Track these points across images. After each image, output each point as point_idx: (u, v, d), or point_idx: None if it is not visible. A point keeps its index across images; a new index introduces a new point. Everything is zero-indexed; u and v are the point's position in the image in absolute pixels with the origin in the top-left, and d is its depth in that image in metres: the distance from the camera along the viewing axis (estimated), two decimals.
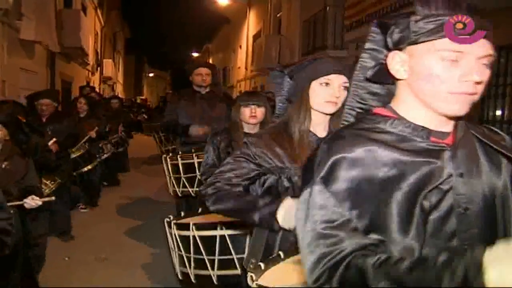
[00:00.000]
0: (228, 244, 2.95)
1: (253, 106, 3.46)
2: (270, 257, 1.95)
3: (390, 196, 1.17)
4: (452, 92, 1.20)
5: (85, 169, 7.03)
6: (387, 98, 1.37)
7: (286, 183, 2.08)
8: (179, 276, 3.25)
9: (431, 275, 0.99)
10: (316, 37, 13.68)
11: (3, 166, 3.70)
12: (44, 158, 4.63)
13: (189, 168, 4.50)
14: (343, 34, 11.96)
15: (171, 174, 4.72)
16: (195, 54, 46.93)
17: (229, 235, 2.95)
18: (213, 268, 3.01)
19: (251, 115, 3.46)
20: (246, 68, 23.29)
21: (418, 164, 1.21)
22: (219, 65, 33.58)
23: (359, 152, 1.20)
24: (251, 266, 1.99)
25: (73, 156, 6.67)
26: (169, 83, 66.75)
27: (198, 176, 4.32)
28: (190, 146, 4.80)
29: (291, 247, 1.93)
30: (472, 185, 1.25)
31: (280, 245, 2.06)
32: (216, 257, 2.98)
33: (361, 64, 1.38)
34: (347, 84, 2.06)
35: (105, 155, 8.27)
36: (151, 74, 60.95)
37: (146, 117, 19.65)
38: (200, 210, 3.38)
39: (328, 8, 13.01)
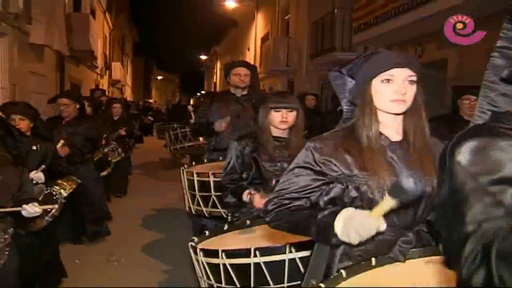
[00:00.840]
0: (264, 273, 2.54)
1: (284, 111, 3.15)
2: (331, 277, 1.74)
3: None
4: None
5: (105, 172, 6.87)
6: None
7: (353, 193, 1.83)
8: None
9: None
10: (324, 40, 13.66)
11: (34, 148, 3.77)
12: (54, 165, 4.46)
13: (204, 186, 4.21)
14: (351, 36, 11.93)
15: (187, 189, 4.46)
16: (203, 57, 47.02)
17: (264, 262, 2.53)
18: None
19: (282, 120, 3.16)
20: None
21: None
22: None
23: (504, 143, 1.08)
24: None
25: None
26: (177, 85, 66.99)
27: (213, 197, 4.11)
28: (218, 154, 4.58)
29: (353, 264, 1.78)
30: None
31: (341, 262, 1.86)
32: None
33: (492, 63, 1.28)
34: (414, 78, 1.86)
35: (114, 160, 7.99)
36: (159, 77, 61.10)
37: (151, 119, 19.47)
38: (226, 227, 3.02)
39: (336, 10, 13.00)
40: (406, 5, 8.66)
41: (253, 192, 3.15)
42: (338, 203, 1.87)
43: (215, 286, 2.69)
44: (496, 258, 0.92)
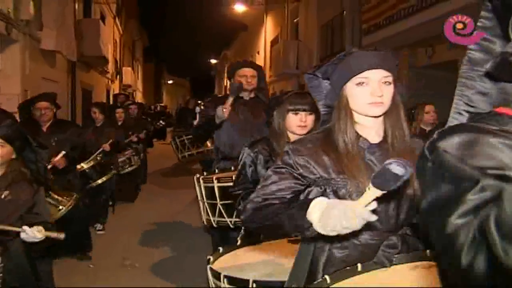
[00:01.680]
0: None
1: (303, 113, 2.86)
2: (315, 283, 1.69)
3: None
4: None
5: (100, 181, 6.23)
6: (499, 99, 1.12)
7: (331, 197, 1.75)
8: None
9: None
10: (334, 42, 13.66)
11: (3, 196, 2.80)
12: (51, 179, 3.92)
13: (227, 192, 3.60)
14: (361, 38, 11.92)
15: (205, 199, 3.96)
16: (213, 61, 47.14)
17: None
18: None
19: (300, 124, 2.86)
20: None
21: None
22: None
23: (494, 140, 0.93)
24: None
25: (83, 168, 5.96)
26: (188, 90, 67.21)
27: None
28: (231, 162, 4.15)
29: (339, 270, 1.71)
30: None
31: (324, 267, 1.80)
32: None
33: (468, 57, 1.16)
34: (390, 79, 1.78)
35: (132, 167, 7.92)
36: (170, 81, 61.33)
37: (163, 123, 19.45)
38: (239, 242, 2.81)
39: (345, 12, 12.98)
40: (416, 6, 8.63)
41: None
42: None
43: None
44: (495, 228, 0.78)
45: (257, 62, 23.63)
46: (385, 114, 1.84)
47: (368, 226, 1.60)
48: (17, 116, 4.91)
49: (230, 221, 3.78)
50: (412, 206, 1.82)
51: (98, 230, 6.55)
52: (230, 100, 4.28)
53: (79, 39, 13.39)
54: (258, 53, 25.37)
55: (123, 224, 6.96)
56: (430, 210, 0.98)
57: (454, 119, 1.16)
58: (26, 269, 2.94)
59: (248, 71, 4.44)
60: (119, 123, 8.14)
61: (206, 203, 3.97)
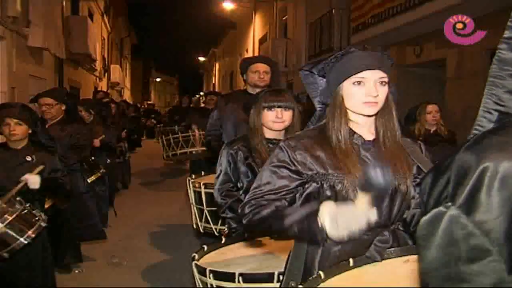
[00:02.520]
0: None
1: (279, 109, 2.89)
2: (310, 279, 1.70)
3: None
4: None
5: (88, 180, 5.74)
6: None
7: (328, 192, 1.80)
8: None
9: None
10: (322, 40, 13.67)
11: (29, 159, 3.62)
12: (50, 181, 3.74)
13: (214, 199, 3.51)
14: (349, 36, 11.95)
15: (194, 203, 3.94)
16: (202, 59, 47.05)
17: None
18: None
19: (276, 120, 2.90)
20: None
21: None
22: (225, 69, 33.67)
23: (509, 166, 0.89)
24: None
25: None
26: (176, 87, 67.03)
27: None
28: None
29: (332, 266, 1.74)
30: None
31: (319, 263, 1.83)
32: None
33: (499, 56, 1.13)
34: (386, 79, 1.82)
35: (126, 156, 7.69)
36: (158, 79, 61.10)
37: (154, 122, 19.35)
38: (223, 241, 2.75)
39: (333, 10, 13.00)
40: (404, 5, 8.67)
41: None
42: (313, 201, 1.84)
43: None
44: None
45: None
46: (377, 113, 1.87)
47: None
48: None
49: (215, 229, 3.74)
50: (404, 202, 1.86)
51: None
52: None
53: (67, 36, 13.29)
54: (247, 51, 25.35)
55: (111, 223, 6.92)
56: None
57: (483, 118, 1.13)
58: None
59: (261, 67, 4.26)
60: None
61: (195, 207, 3.95)
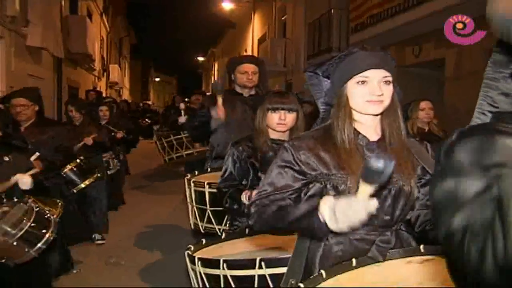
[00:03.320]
0: (269, 286, 2.27)
1: (282, 112, 2.95)
2: (311, 277, 1.71)
3: None
4: None
5: (82, 185, 5.34)
6: None
7: (331, 192, 1.81)
8: None
9: None
10: (321, 40, 13.67)
11: (6, 159, 3.49)
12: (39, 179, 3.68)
13: (218, 199, 3.45)
14: (348, 36, 11.95)
15: (194, 203, 3.85)
16: (201, 58, 47.03)
17: (270, 275, 2.25)
18: None
19: (279, 122, 2.96)
20: None
21: None
22: (224, 69, 33.65)
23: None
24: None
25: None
26: (175, 87, 67.02)
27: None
28: (223, 162, 3.78)
29: (333, 265, 1.74)
30: None
31: (321, 262, 1.84)
32: None
33: (493, 59, 1.17)
34: (390, 78, 1.83)
35: (111, 171, 6.95)
36: (157, 79, 61.10)
37: (149, 121, 18.94)
38: (223, 236, 2.79)
39: (332, 10, 12.99)
40: (403, 5, 8.67)
41: (250, 192, 2.92)
42: None
43: None
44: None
45: None
46: (383, 113, 1.88)
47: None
48: None
49: (219, 229, 3.69)
50: (408, 203, 1.86)
51: (97, 240, 5.97)
52: (220, 100, 4.12)
53: (66, 36, 13.28)
54: (246, 50, 25.33)
55: (114, 216, 6.91)
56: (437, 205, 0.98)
57: (477, 119, 1.18)
58: None
59: (249, 67, 4.23)
60: (103, 122, 7.36)
61: (195, 207, 3.87)
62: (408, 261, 1.74)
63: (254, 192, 2.64)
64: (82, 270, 4.96)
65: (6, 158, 3.56)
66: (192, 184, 3.85)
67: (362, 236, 1.83)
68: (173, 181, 9.72)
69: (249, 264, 2.29)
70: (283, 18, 19.06)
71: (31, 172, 3.47)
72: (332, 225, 1.63)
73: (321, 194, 1.84)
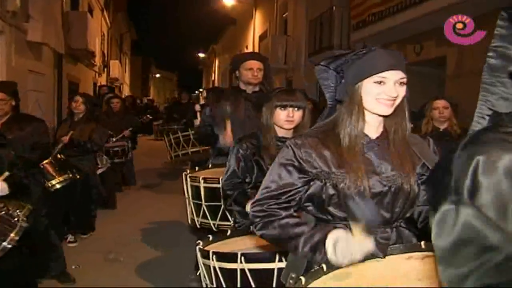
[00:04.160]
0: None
1: (291, 109, 2.94)
2: (312, 271, 1.73)
3: None
4: None
5: (58, 185, 5.11)
6: None
7: (331, 190, 1.82)
8: None
9: None
10: (322, 37, 13.65)
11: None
12: (11, 177, 3.36)
13: (213, 194, 3.63)
14: (349, 34, 11.93)
15: (191, 198, 3.88)
16: (202, 55, 46.97)
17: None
18: None
19: (287, 119, 2.95)
20: None
21: None
22: (225, 66, 33.61)
23: (509, 160, 0.91)
24: (291, 281, 1.81)
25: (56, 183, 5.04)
26: (176, 83, 66.97)
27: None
28: (225, 159, 3.74)
29: None
30: None
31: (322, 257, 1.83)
32: None
33: (488, 64, 1.19)
34: (405, 80, 1.83)
35: (100, 170, 6.63)
36: (157, 75, 61.04)
37: (150, 117, 18.79)
38: (229, 233, 2.81)
39: (334, 8, 12.98)
40: (405, 3, 8.65)
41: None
42: (316, 200, 1.88)
43: None
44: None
45: None
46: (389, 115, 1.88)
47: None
48: None
49: (214, 224, 3.72)
50: (408, 200, 1.87)
51: (69, 242, 5.73)
52: (228, 126, 4.04)
53: (66, 31, 13.24)
54: (247, 47, 25.31)
55: (108, 219, 6.91)
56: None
57: (477, 123, 1.18)
58: None
59: (255, 64, 4.19)
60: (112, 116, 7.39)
61: (191, 203, 3.89)
62: (409, 256, 1.76)
63: None
64: (81, 266, 4.95)
65: None
66: (188, 179, 3.87)
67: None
68: (173, 177, 9.66)
69: (269, 257, 2.30)
70: (284, 15, 19.03)
71: (2, 177, 3.25)
72: (333, 260, 1.70)
73: (321, 192, 1.84)
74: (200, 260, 2.50)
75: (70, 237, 5.79)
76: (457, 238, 0.89)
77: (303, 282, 1.65)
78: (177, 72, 70.48)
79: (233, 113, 4.15)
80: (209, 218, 3.74)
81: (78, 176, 5.44)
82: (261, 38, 22.03)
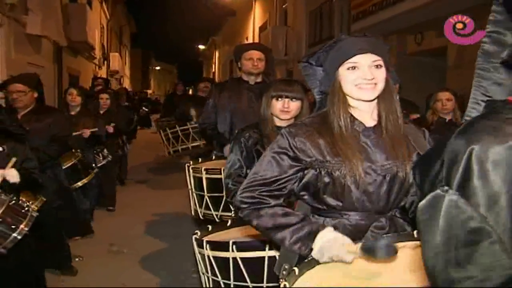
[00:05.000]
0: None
1: (286, 100, 2.95)
2: (305, 261, 1.72)
3: None
4: None
5: (80, 183, 5.27)
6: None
7: (326, 179, 1.83)
8: None
9: None
10: (322, 28, 13.62)
11: (0, 149, 3.30)
12: (25, 171, 3.40)
13: (216, 185, 3.63)
14: (349, 24, 11.89)
15: (193, 190, 3.90)
16: (201, 47, 46.84)
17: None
18: None
19: (283, 110, 2.96)
20: None
21: None
22: (225, 57, 33.56)
23: (500, 150, 0.92)
24: (284, 272, 1.79)
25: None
26: (176, 76, 66.91)
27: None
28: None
29: None
30: None
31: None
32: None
33: (483, 49, 1.19)
34: (380, 62, 1.84)
35: (102, 162, 6.47)
36: (157, 68, 60.99)
37: (146, 110, 18.49)
38: (229, 223, 2.81)
39: None
40: None
41: None
42: (311, 189, 1.88)
43: (221, 283, 2.40)
44: None
45: None
46: (378, 98, 1.88)
47: (359, 207, 1.82)
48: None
49: (216, 215, 3.73)
50: (403, 189, 1.87)
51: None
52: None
53: (66, 24, 13.21)
54: (247, 39, 25.22)
55: (111, 215, 6.92)
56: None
57: (472, 109, 1.18)
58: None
59: (255, 54, 4.22)
60: (103, 111, 7.17)
61: (194, 194, 3.90)
62: (402, 246, 1.74)
63: None
64: (84, 258, 4.97)
65: (0, 148, 3.38)
66: (191, 171, 3.89)
67: (357, 222, 1.85)
68: (174, 170, 9.65)
69: (259, 245, 2.31)
70: (284, 6, 18.95)
71: (11, 163, 3.27)
72: (315, 256, 1.71)
73: (316, 181, 1.86)
74: (196, 249, 2.51)
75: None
76: (443, 224, 0.92)
77: (296, 273, 1.64)
78: (177, 64, 70.45)
79: (235, 103, 4.17)
80: (211, 209, 3.76)
81: (97, 170, 5.59)
82: (261, 29, 21.95)
